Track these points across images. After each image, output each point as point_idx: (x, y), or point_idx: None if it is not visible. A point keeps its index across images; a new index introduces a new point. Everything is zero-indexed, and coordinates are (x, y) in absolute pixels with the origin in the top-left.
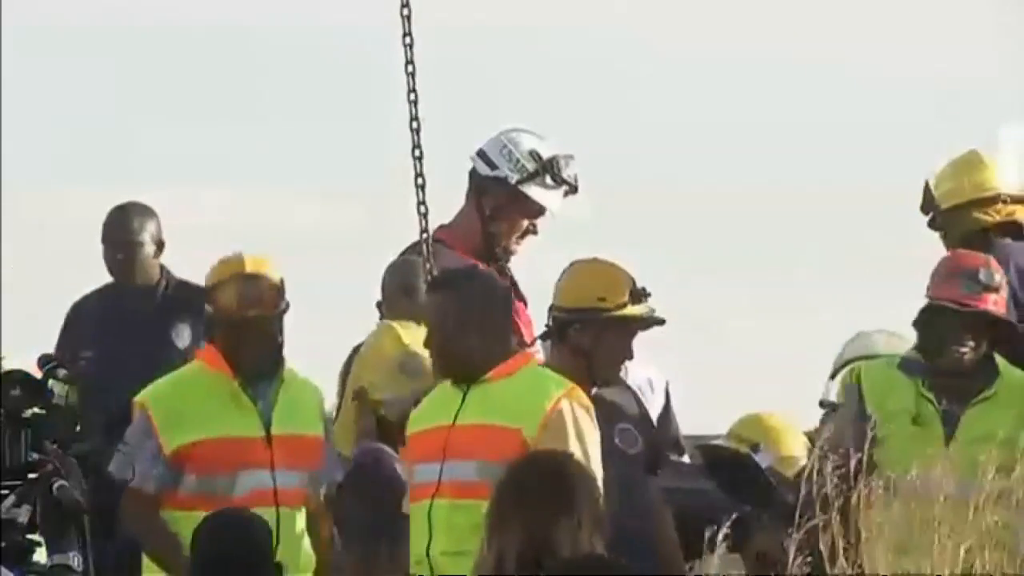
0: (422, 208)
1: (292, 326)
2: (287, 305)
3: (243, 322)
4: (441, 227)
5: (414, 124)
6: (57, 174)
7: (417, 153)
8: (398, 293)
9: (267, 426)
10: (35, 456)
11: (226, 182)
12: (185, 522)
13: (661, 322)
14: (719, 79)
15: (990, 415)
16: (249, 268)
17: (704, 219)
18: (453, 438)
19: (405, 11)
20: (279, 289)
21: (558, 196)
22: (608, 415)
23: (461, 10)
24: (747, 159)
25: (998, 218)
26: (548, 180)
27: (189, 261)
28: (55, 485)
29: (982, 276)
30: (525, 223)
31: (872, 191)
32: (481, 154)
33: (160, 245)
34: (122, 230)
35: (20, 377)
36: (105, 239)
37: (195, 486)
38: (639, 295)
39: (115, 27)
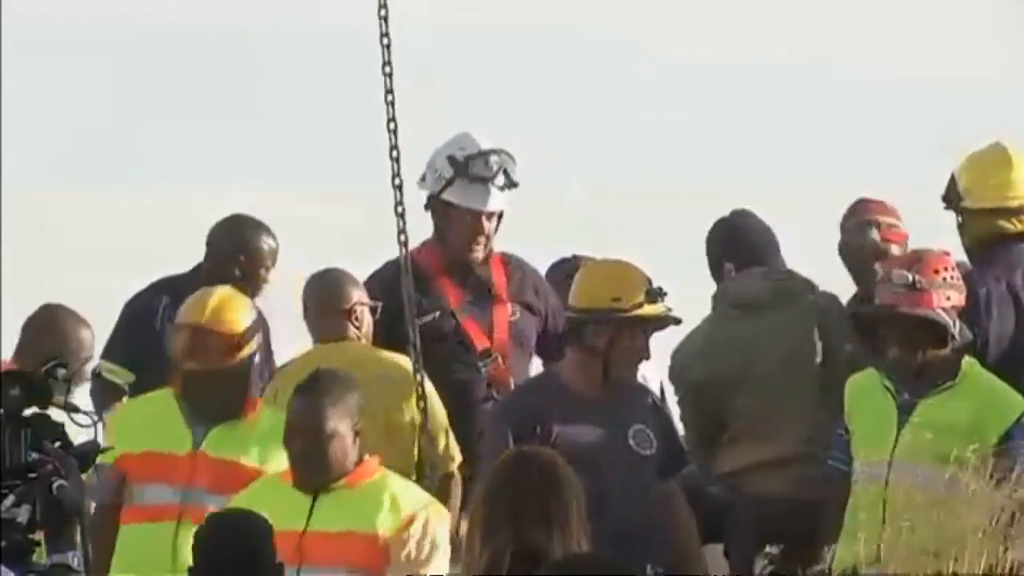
0: (399, 208)
1: (295, 327)
2: (249, 358)
3: (184, 372)
4: (424, 243)
5: (391, 125)
6: (56, 174)
7: (395, 154)
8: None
9: (197, 445)
10: (35, 456)
11: (226, 182)
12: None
13: (678, 321)
14: (718, 80)
15: (946, 405)
16: (206, 319)
17: (704, 219)
18: (308, 544)
19: (383, 12)
20: (237, 342)
21: (485, 194)
22: (621, 416)
23: (458, 8)
24: (747, 160)
25: (1019, 227)
26: (467, 181)
27: (188, 261)
28: (55, 485)
29: (895, 278)
30: (468, 228)
31: (872, 191)
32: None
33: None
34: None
35: (20, 377)
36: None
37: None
38: (655, 295)
39: (115, 27)
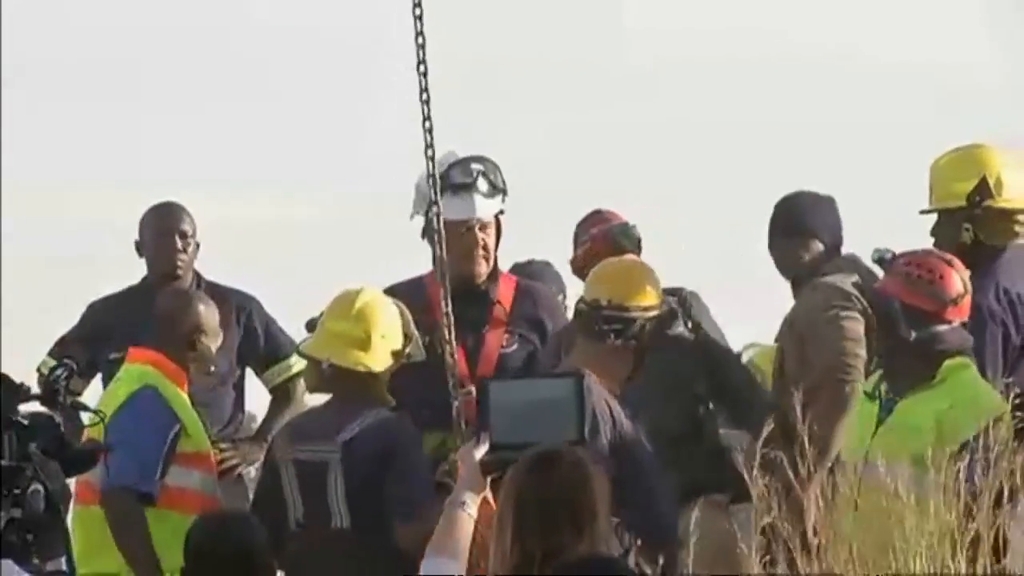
0: (436, 210)
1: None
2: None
3: None
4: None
5: (426, 124)
6: (53, 173)
7: (430, 153)
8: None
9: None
10: (12, 462)
11: (227, 180)
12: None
13: None
14: (718, 80)
15: (918, 406)
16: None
17: (703, 219)
18: None
19: (417, 11)
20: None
21: (470, 202)
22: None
23: (459, 9)
24: (747, 161)
25: None
26: (450, 194)
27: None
28: (28, 491)
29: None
30: (460, 242)
31: (872, 192)
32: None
33: (198, 247)
34: (178, 221)
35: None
36: (158, 230)
37: None
38: None
39: (112, 28)
